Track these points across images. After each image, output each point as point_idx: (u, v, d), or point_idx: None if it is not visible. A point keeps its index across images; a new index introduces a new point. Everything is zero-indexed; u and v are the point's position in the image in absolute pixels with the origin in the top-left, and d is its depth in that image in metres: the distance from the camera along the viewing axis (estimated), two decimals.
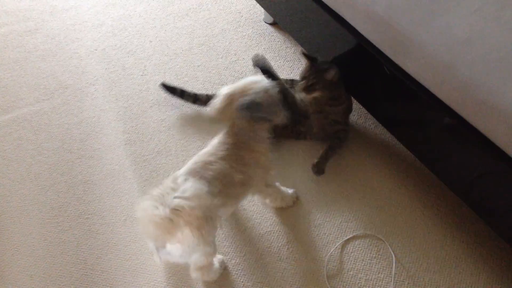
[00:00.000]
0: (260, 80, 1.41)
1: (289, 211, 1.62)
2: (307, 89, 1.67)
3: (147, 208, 1.16)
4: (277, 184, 1.58)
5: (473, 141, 1.24)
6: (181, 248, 1.23)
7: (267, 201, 1.61)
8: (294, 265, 1.50)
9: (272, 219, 1.61)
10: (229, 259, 1.51)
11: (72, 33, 2.35)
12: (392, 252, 1.51)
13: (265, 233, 1.58)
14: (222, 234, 1.57)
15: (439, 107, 1.30)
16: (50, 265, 1.52)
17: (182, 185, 1.21)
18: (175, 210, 1.14)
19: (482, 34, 1.19)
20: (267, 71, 1.68)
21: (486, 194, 1.31)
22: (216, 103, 1.38)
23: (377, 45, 1.47)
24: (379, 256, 1.51)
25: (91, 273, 1.50)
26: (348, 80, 1.72)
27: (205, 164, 1.33)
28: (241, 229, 1.59)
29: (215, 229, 1.29)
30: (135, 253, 1.54)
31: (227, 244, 1.55)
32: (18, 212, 1.65)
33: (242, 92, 1.36)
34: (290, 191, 1.64)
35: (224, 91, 1.38)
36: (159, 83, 1.98)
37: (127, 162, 1.79)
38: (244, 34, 2.31)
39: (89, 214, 1.64)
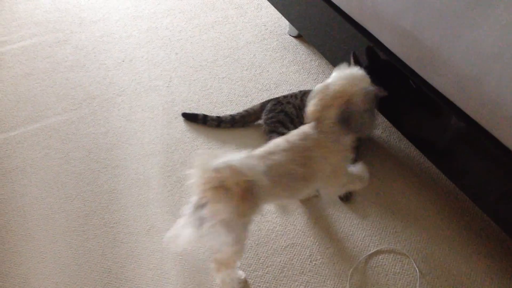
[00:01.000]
0: (360, 77, 1.35)
1: (312, 224, 1.62)
2: None
3: (205, 159, 1.16)
4: (350, 171, 1.48)
5: (502, 158, 1.23)
6: (215, 218, 1.21)
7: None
8: (317, 278, 1.49)
9: (295, 231, 1.61)
10: (252, 271, 1.51)
11: (100, 44, 2.40)
12: (416, 268, 1.50)
13: (288, 245, 1.57)
14: (245, 246, 1.57)
15: (466, 122, 1.30)
16: (75, 273, 1.53)
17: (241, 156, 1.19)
18: (229, 169, 1.14)
19: (510, 48, 1.18)
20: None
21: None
22: (313, 104, 1.35)
23: (403, 59, 1.47)
24: (404, 271, 1.50)
25: (115, 282, 1.51)
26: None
27: (268, 154, 1.31)
28: (264, 241, 1.59)
29: (252, 214, 1.29)
30: (159, 263, 1.55)
31: (249, 255, 1.55)
32: (44, 220, 1.68)
33: (342, 95, 1.31)
34: (357, 169, 1.51)
35: (321, 91, 1.34)
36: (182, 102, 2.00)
37: (152, 172, 1.81)
38: (269, 46, 2.33)
39: (114, 223, 1.66)
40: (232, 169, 1.14)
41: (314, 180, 1.38)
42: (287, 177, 1.31)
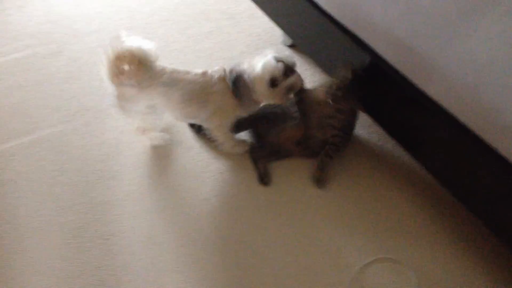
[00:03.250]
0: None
1: (307, 235, 1.61)
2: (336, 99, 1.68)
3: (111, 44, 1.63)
4: (230, 133, 1.83)
5: (495, 165, 1.23)
6: (122, 98, 1.72)
7: (219, 145, 1.87)
8: None
9: (292, 242, 1.60)
10: (248, 283, 1.50)
11: (94, 56, 2.39)
12: (413, 276, 1.49)
13: (285, 255, 1.57)
14: (241, 259, 1.57)
15: (461, 130, 1.30)
16: (69, 286, 1.52)
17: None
18: (128, 52, 1.63)
19: (504, 57, 1.18)
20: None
21: (509, 217, 1.29)
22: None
23: (398, 69, 1.47)
24: (401, 280, 1.49)
25: None
26: (368, 102, 1.72)
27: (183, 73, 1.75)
28: (260, 251, 1.58)
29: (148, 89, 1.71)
30: (155, 274, 1.53)
31: (248, 272, 1.54)
32: (38, 232, 1.67)
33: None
34: (242, 139, 1.89)
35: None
36: None
37: (146, 183, 1.80)
38: None
39: (108, 235, 1.65)
40: (131, 52, 1.63)
41: (202, 107, 1.74)
42: (184, 91, 1.71)
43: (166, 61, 2.31)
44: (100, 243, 1.63)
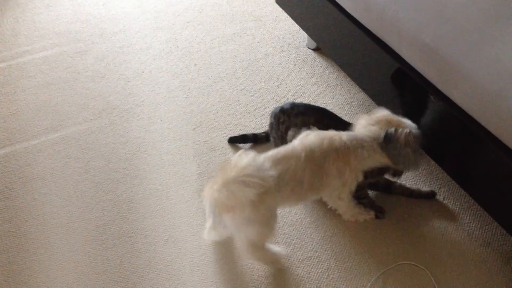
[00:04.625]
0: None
1: (329, 238, 1.62)
2: None
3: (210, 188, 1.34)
4: (351, 200, 1.58)
5: None
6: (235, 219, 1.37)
7: (337, 210, 1.64)
8: None
9: (312, 244, 1.60)
10: (268, 284, 1.51)
11: (121, 55, 2.42)
12: (434, 283, 1.48)
13: (305, 258, 1.57)
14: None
15: (487, 138, 1.29)
16: (93, 282, 1.55)
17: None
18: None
19: None
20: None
21: None
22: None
23: (423, 74, 1.47)
24: (422, 286, 1.48)
25: None
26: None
27: (284, 158, 1.40)
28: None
29: (271, 213, 1.43)
30: (176, 273, 1.55)
31: (266, 268, 1.55)
32: (64, 228, 1.70)
33: (397, 122, 1.45)
34: (367, 210, 1.65)
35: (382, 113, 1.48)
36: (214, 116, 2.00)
37: (170, 183, 1.82)
38: (287, 59, 2.34)
39: (132, 233, 1.67)
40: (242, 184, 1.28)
41: (320, 191, 1.50)
42: (296, 184, 1.41)
43: (191, 62, 2.35)
44: (123, 241, 1.65)
